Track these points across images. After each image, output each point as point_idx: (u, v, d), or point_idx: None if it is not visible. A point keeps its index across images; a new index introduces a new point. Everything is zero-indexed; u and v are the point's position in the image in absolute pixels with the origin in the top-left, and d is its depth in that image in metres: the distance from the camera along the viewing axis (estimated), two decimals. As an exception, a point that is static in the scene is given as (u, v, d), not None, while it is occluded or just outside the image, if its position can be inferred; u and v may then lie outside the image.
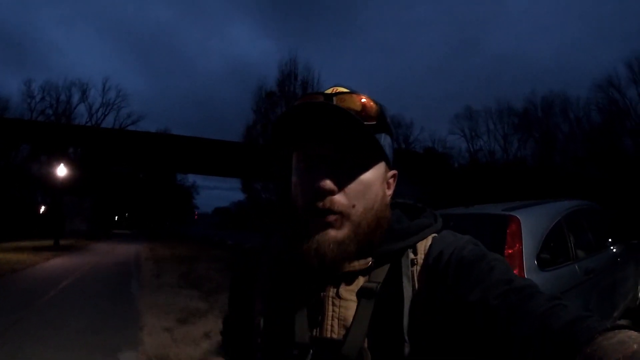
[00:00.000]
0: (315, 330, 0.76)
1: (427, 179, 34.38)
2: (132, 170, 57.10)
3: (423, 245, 0.79)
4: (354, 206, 0.74)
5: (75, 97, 51.01)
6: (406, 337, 0.68)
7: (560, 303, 0.57)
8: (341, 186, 0.73)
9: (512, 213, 3.43)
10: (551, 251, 3.41)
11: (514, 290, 0.61)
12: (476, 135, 43.95)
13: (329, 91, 0.78)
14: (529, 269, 3.07)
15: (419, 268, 0.76)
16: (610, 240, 4.68)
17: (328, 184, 0.71)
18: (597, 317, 0.53)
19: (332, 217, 0.72)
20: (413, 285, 0.74)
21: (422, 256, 0.77)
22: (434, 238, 0.80)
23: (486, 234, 3.60)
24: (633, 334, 0.46)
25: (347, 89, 0.78)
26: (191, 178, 73.10)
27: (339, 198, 0.73)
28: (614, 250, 4.57)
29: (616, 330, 0.47)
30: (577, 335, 0.50)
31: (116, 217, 77.01)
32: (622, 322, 4.88)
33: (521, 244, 3.15)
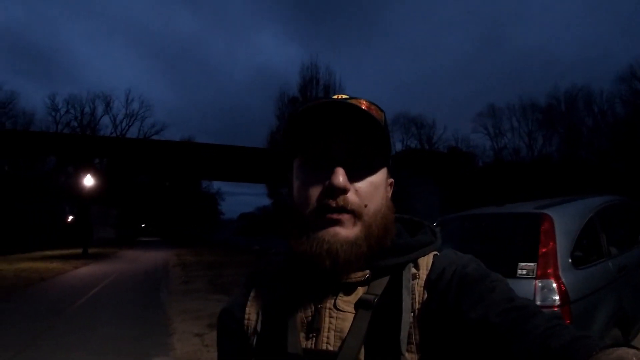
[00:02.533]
0: (310, 342, 0.74)
1: (451, 178, 34.09)
2: (158, 178, 57.84)
3: (425, 262, 0.78)
4: (365, 206, 0.73)
5: (100, 109, 52.28)
6: (402, 350, 0.67)
7: (561, 323, 0.57)
8: (354, 185, 0.72)
9: (544, 211, 3.38)
10: (584, 249, 3.36)
11: (515, 309, 0.62)
12: (500, 132, 43.50)
13: (335, 97, 0.77)
14: (563, 267, 3.02)
15: (420, 282, 0.75)
16: None
17: (343, 181, 0.69)
18: (597, 337, 0.54)
19: (344, 215, 0.71)
20: (413, 299, 0.73)
21: (425, 272, 0.76)
22: (435, 256, 0.79)
23: (519, 233, 3.58)
24: (631, 350, 0.46)
25: (349, 96, 0.78)
26: (216, 185, 73.97)
27: (352, 197, 0.71)
28: None
29: (615, 347, 0.47)
30: (576, 353, 0.50)
31: (143, 225, 78.31)
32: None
33: (555, 243, 3.11)
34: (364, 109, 0.70)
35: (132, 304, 9.08)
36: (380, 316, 0.71)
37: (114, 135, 50.66)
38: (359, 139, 0.72)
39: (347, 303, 0.74)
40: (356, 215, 0.71)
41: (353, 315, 0.73)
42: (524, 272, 3.03)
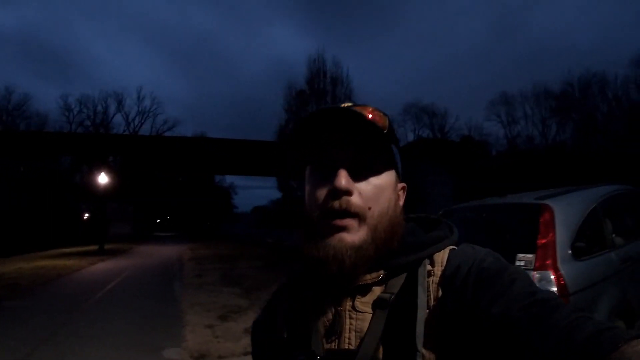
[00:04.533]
0: (333, 344, 0.75)
1: (464, 167, 33.86)
2: (171, 174, 58.30)
3: (440, 257, 0.77)
4: (369, 208, 0.73)
5: (112, 108, 52.80)
6: (418, 347, 0.67)
7: (584, 315, 0.57)
8: (357, 187, 0.73)
9: (545, 202, 3.36)
10: (587, 240, 3.32)
11: (537, 302, 0.60)
12: (513, 120, 42.93)
13: (341, 106, 0.78)
14: (562, 259, 3.00)
15: (436, 279, 0.74)
16: None
17: (345, 183, 0.71)
18: (622, 328, 0.53)
19: (348, 221, 0.72)
20: (428, 296, 0.73)
21: (440, 268, 0.76)
22: (451, 250, 0.79)
23: (519, 224, 3.57)
24: None
25: (352, 103, 0.79)
26: (229, 179, 74.27)
27: (355, 199, 0.72)
28: None
29: None
30: (601, 345, 0.49)
31: (158, 220, 78.95)
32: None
33: (554, 234, 3.08)
34: (362, 114, 0.73)
35: (146, 298, 9.24)
36: (397, 314, 0.72)
37: (126, 133, 51.15)
38: (362, 142, 0.74)
39: (365, 304, 0.76)
40: (360, 218, 0.73)
41: (371, 315, 0.74)
42: (522, 263, 3.02)
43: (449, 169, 32.32)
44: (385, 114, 0.79)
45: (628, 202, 4.42)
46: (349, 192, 0.72)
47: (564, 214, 3.26)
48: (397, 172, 0.82)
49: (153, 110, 54.80)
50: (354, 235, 0.72)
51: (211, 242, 34.41)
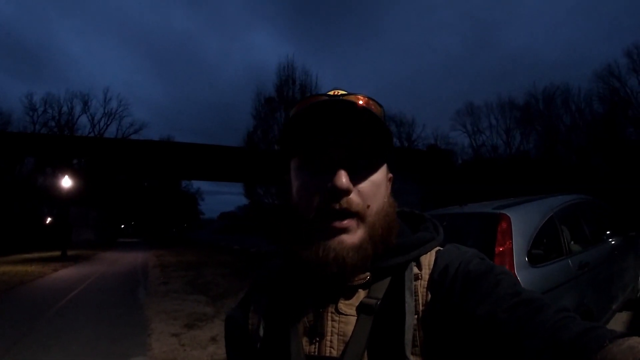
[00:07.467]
0: (314, 347, 0.73)
1: (430, 176, 34.39)
2: (137, 178, 57.39)
3: (427, 260, 0.77)
4: (368, 206, 0.71)
5: (78, 108, 51.49)
6: (407, 354, 0.66)
7: (569, 315, 0.58)
8: (355, 186, 0.71)
9: (502, 211, 3.47)
10: (544, 247, 3.45)
11: (522, 303, 0.61)
12: (478, 130, 43.92)
13: (331, 93, 0.77)
14: (519, 265, 3.11)
15: (424, 283, 0.73)
16: (608, 233, 4.69)
17: (345, 183, 0.68)
18: (607, 327, 0.54)
19: (348, 222, 0.70)
20: (416, 300, 0.72)
21: (428, 271, 0.75)
22: (438, 252, 0.78)
23: (478, 232, 3.66)
24: None
25: (346, 91, 0.77)
26: (196, 184, 73.51)
27: (355, 198, 0.70)
28: (612, 242, 4.58)
29: (626, 337, 0.48)
30: (587, 345, 0.50)
31: (122, 226, 77.47)
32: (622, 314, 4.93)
33: (511, 242, 3.19)
34: (362, 107, 0.69)
35: (111, 306, 9.07)
36: (382, 320, 0.70)
37: (92, 134, 50.10)
38: (358, 138, 0.70)
39: (348, 306, 0.74)
40: (360, 217, 0.70)
41: (355, 318, 0.72)
42: None
43: (416, 177, 32.77)
44: (379, 103, 0.77)
45: (585, 211, 4.58)
46: (348, 192, 0.69)
47: (521, 222, 3.37)
48: (388, 164, 0.80)
49: (120, 112, 53.79)
50: (354, 235, 0.70)
51: (177, 248, 33.93)
